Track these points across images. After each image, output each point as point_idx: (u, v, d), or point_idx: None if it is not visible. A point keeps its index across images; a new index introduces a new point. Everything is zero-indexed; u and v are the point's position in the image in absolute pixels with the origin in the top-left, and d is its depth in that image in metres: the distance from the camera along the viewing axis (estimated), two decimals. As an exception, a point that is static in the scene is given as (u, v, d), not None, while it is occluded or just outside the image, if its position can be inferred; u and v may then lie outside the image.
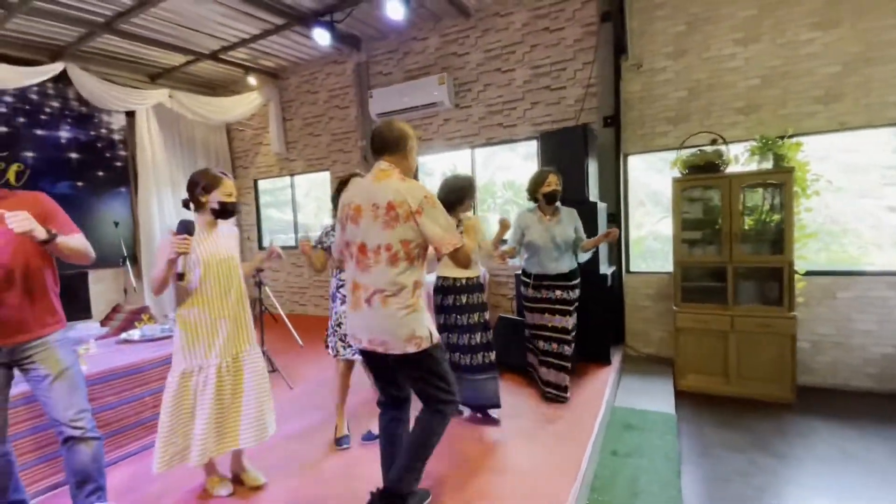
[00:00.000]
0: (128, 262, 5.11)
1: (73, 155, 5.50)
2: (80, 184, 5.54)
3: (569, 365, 3.08)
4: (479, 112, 5.05)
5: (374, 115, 5.51)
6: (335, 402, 2.72)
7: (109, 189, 5.85)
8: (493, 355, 2.81)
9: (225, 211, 2.14)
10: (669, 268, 3.96)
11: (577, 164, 3.86)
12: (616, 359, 3.98)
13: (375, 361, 1.89)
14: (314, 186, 6.68)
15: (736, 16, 3.85)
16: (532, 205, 3.24)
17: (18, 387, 1.90)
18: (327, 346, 2.67)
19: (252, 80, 6.30)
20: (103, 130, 5.84)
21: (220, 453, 2.08)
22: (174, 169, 6.41)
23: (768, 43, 3.77)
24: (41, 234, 1.67)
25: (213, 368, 2.07)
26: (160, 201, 6.09)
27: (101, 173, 5.77)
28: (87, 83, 5.28)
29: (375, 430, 2.43)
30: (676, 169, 3.85)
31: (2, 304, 1.73)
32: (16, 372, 1.86)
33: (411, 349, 1.74)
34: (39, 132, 5.19)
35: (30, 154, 5.10)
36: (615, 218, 4.39)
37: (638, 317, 4.49)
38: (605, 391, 3.21)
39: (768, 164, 3.54)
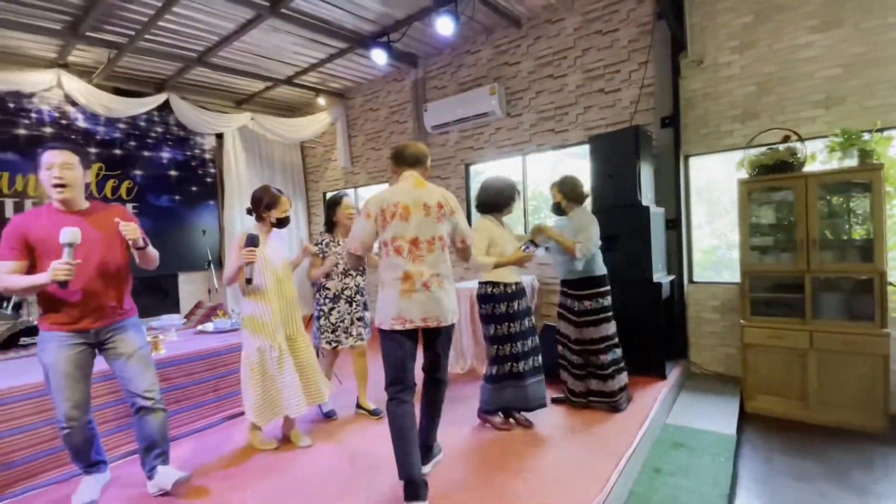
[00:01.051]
0: (212, 266, 5.75)
1: (173, 172, 6.35)
2: (177, 197, 6.37)
3: (574, 371, 3.11)
4: (530, 119, 5.04)
5: (428, 127, 5.72)
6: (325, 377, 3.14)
7: (201, 202, 6.67)
8: (539, 359, 2.84)
9: (281, 224, 2.67)
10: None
11: (628, 167, 3.71)
12: (674, 374, 3.72)
13: (413, 340, 2.10)
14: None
15: (811, 1, 3.51)
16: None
17: (97, 366, 2.19)
18: (324, 343, 3.05)
19: (322, 100, 6.84)
20: (197, 151, 6.68)
21: (305, 409, 2.59)
22: (255, 184, 7.07)
23: (851, 28, 3.38)
24: (141, 241, 2.10)
25: (281, 344, 2.55)
26: (242, 213, 6.78)
27: (194, 188, 6.61)
28: (185, 110, 6.09)
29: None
30: (743, 170, 3.56)
31: (97, 294, 2.03)
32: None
33: (454, 319, 2.16)
34: (146, 154, 6.07)
35: (138, 172, 5.98)
36: (675, 224, 4.14)
37: (702, 331, 4.15)
38: (652, 406, 3.02)
39: (852, 161, 3.15)
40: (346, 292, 3.05)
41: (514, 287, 2.72)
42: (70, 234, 1.82)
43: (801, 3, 3.55)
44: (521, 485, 2.16)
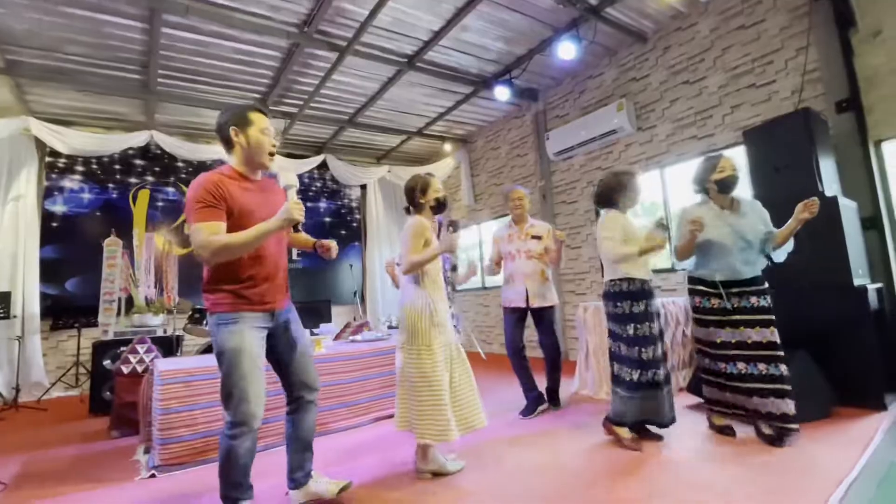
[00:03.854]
0: (357, 297, 6.34)
1: (327, 219, 7.37)
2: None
3: (789, 387, 2.36)
4: (665, 130, 4.74)
5: (551, 154, 5.74)
6: None
7: (348, 243, 7.57)
8: (660, 373, 2.47)
9: (441, 205, 2.36)
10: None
11: (801, 157, 3.19)
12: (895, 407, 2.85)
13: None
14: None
15: None
16: (698, 199, 2.69)
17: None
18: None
19: (447, 147, 7.39)
20: (346, 200, 7.70)
21: (469, 431, 2.21)
22: (392, 227, 7.84)
23: None
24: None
25: (457, 346, 2.33)
26: (381, 252, 7.50)
27: (343, 231, 7.56)
28: (338, 167, 7.12)
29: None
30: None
31: (277, 270, 1.87)
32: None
33: None
34: (309, 204, 7.16)
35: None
36: (873, 222, 3.38)
37: (938, 357, 3.16)
38: (870, 439, 2.32)
39: None
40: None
41: (625, 286, 2.54)
42: (286, 176, 1.75)
43: None
44: None
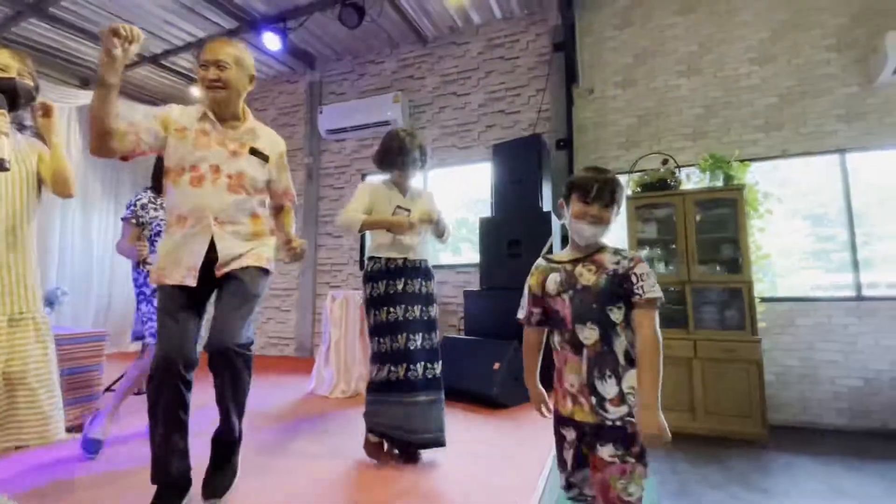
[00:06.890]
0: None
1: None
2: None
3: None
4: (433, 133, 4.90)
5: (323, 131, 5.25)
6: None
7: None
8: (438, 368, 2.08)
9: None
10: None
11: (532, 175, 3.67)
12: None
13: None
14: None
15: (679, 51, 4.03)
16: None
17: None
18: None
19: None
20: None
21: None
22: (93, 175, 5.75)
23: (710, 76, 3.91)
24: None
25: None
26: (73, 215, 5.34)
27: None
28: None
29: None
30: (629, 190, 3.74)
31: None
32: None
33: None
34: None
35: None
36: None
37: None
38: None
39: (719, 183, 3.48)
40: None
41: (400, 262, 2.12)
42: None
43: (670, 51, 4.06)
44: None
